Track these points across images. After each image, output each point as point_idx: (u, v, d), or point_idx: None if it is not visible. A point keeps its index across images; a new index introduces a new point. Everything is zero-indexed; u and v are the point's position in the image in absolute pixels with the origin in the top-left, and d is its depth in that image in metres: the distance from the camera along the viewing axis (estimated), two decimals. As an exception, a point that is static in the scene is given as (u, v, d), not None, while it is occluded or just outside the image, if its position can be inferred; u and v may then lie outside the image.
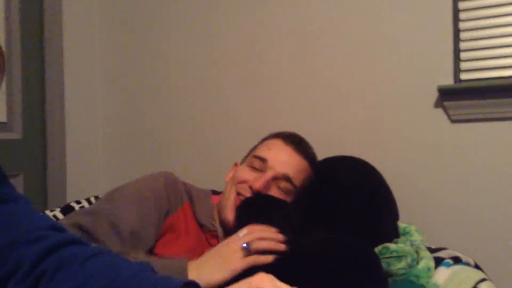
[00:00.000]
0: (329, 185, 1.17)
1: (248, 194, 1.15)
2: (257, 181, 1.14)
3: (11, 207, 0.75)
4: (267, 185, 1.14)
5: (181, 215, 1.14)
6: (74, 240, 0.75)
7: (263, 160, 1.18)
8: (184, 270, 0.89)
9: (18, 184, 1.83)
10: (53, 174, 1.88)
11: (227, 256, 0.92)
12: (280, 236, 0.96)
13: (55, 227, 0.76)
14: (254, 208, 1.10)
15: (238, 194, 1.16)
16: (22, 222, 0.74)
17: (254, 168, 1.18)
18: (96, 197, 1.46)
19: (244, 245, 0.92)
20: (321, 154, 1.27)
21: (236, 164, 1.31)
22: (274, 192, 1.16)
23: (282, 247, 0.93)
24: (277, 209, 1.09)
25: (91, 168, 2.02)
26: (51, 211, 1.32)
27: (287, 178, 1.16)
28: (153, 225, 1.06)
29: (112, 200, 1.06)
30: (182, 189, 1.19)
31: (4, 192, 0.77)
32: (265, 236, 0.95)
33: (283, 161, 1.17)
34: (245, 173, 1.19)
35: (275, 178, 1.16)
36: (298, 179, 1.18)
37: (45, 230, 0.74)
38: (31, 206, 0.79)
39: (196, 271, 0.89)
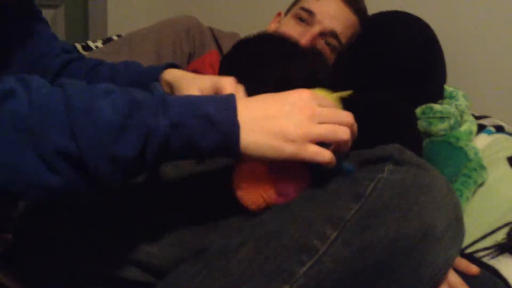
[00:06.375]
0: (377, 37, 1.10)
1: None
2: (303, 36, 1.07)
3: (41, 27, 0.86)
4: (313, 40, 1.08)
5: (208, 61, 1.10)
6: (81, 57, 0.91)
7: (310, 12, 1.09)
8: None
9: (59, 14, 1.82)
10: (94, 6, 1.85)
11: None
12: None
13: (66, 49, 0.90)
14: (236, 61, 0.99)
15: None
16: (47, 40, 0.87)
17: (299, 20, 1.11)
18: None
19: None
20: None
21: (279, 14, 1.23)
22: (319, 48, 1.10)
23: None
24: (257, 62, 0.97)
25: (132, 3, 1.98)
26: (94, 41, 1.32)
27: (334, 34, 1.09)
28: None
29: (131, 42, 1.05)
30: (208, 34, 1.14)
31: (36, 9, 0.85)
32: None
33: (332, 14, 1.09)
34: (290, 27, 1.11)
35: (322, 34, 1.09)
36: (345, 36, 1.11)
37: (62, 50, 0.89)
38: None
39: None
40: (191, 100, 0.55)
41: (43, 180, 0.48)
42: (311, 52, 1.02)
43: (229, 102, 0.56)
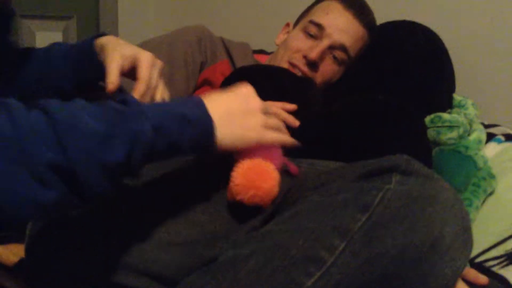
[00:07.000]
0: (385, 47, 1.11)
1: (301, 64, 1.10)
2: (312, 50, 1.08)
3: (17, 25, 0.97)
4: (322, 54, 1.09)
5: (218, 70, 1.11)
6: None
7: (319, 26, 1.09)
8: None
9: (71, 26, 1.85)
10: (105, 18, 1.88)
11: None
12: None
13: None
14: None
15: (291, 64, 1.11)
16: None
17: (308, 35, 1.11)
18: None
19: None
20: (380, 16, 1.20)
21: (288, 25, 1.23)
22: (328, 61, 1.11)
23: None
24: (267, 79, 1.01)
25: (142, 14, 2.01)
26: (104, 53, 1.33)
27: (343, 48, 1.10)
28: (183, 78, 1.06)
29: None
30: (219, 44, 1.15)
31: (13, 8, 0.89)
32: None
33: (342, 28, 1.09)
34: (299, 41, 1.12)
35: (331, 47, 1.09)
36: (354, 49, 1.12)
37: None
38: None
39: None
40: (163, 105, 0.61)
41: (36, 196, 0.48)
42: (304, 80, 1.04)
43: (199, 102, 0.62)
